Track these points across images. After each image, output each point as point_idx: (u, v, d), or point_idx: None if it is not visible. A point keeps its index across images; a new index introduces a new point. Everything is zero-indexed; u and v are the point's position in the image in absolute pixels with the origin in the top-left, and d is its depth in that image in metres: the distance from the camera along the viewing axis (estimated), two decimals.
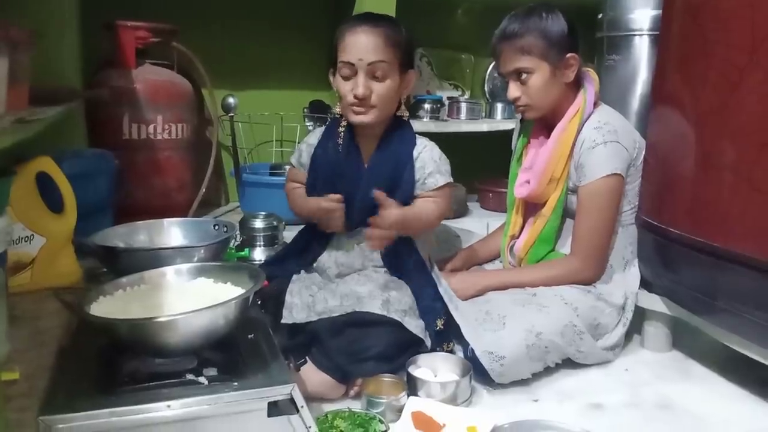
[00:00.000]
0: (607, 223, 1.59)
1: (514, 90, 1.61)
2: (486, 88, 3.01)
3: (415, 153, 1.53)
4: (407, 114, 1.57)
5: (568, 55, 1.57)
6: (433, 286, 1.50)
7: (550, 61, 1.56)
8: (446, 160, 1.55)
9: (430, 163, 1.52)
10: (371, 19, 1.47)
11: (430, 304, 1.45)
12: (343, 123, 1.56)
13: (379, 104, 1.46)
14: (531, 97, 1.60)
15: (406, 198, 1.52)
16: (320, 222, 1.52)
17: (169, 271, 1.18)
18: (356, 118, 1.48)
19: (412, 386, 1.31)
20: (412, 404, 1.24)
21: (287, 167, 1.81)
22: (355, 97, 1.44)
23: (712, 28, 1.31)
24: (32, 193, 1.40)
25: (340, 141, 1.55)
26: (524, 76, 1.58)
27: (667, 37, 1.51)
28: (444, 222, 1.86)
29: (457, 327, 1.43)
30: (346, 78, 1.46)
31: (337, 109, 1.55)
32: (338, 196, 1.46)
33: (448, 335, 1.45)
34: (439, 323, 1.43)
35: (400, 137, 1.55)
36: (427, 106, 2.61)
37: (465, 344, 1.42)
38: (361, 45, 1.43)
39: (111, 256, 1.31)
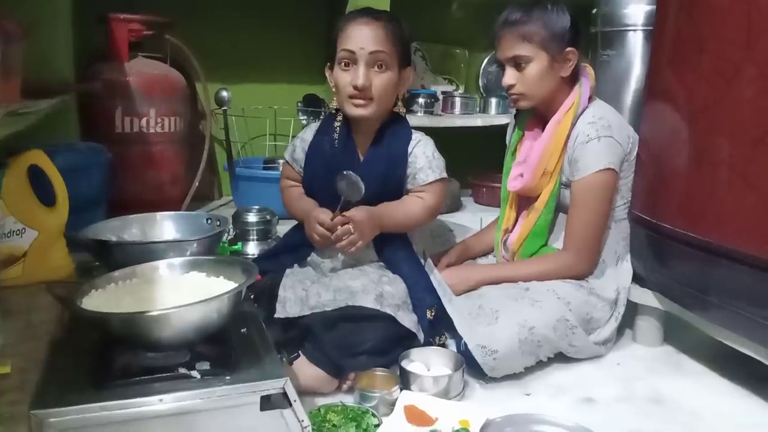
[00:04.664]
0: (600, 218, 1.59)
1: (509, 77, 1.61)
2: (480, 83, 3.01)
3: (409, 148, 1.54)
4: (404, 111, 1.58)
5: (568, 49, 1.57)
6: (424, 278, 1.51)
7: (549, 51, 1.56)
8: (439, 156, 1.56)
9: (421, 158, 1.53)
10: (372, 12, 1.49)
11: (420, 295, 1.45)
12: (339, 118, 1.56)
13: (378, 97, 1.47)
14: (526, 86, 1.60)
15: (399, 193, 1.53)
16: (306, 228, 1.52)
17: (161, 265, 1.17)
18: (355, 111, 1.47)
19: (404, 380, 1.31)
20: (404, 398, 1.25)
21: (281, 162, 1.81)
22: (355, 87, 1.44)
23: (707, 23, 1.31)
24: (24, 186, 1.39)
25: (336, 136, 1.55)
26: (522, 64, 1.58)
27: (661, 32, 1.51)
28: (438, 217, 1.86)
29: (451, 321, 1.44)
30: (345, 68, 1.46)
31: (334, 104, 1.55)
32: (330, 221, 1.44)
33: (439, 327, 1.46)
34: (429, 313, 1.44)
35: (396, 132, 1.55)
36: (421, 100, 2.60)
37: (458, 338, 1.43)
38: (362, 35, 1.44)
39: (103, 250, 1.30)
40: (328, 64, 1.53)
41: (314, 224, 1.46)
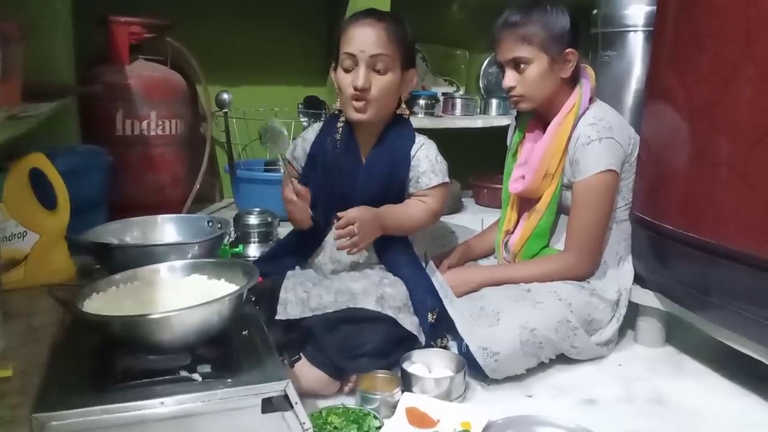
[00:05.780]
0: (601, 219, 1.59)
1: (510, 79, 1.61)
2: (481, 84, 3.02)
3: (412, 151, 1.53)
4: (407, 113, 1.57)
5: (568, 50, 1.57)
6: (425, 280, 1.51)
7: (549, 53, 1.56)
8: (442, 159, 1.55)
9: (424, 162, 1.52)
10: (376, 13, 1.48)
11: (421, 297, 1.45)
12: (342, 118, 1.56)
13: (378, 99, 1.46)
14: (526, 88, 1.60)
15: (401, 196, 1.53)
16: (288, 215, 1.52)
17: (162, 267, 1.17)
18: (355, 116, 1.47)
19: (406, 382, 1.31)
20: (406, 400, 1.25)
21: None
22: (355, 88, 1.44)
23: (707, 23, 1.31)
24: (25, 189, 1.39)
25: (339, 136, 1.55)
26: (522, 65, 1.58)
27: (661, 33, 1.51)
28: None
29: (452, 322, 1.44)
30: (347, 70, 1.46)
31: (337, 105, 1.55)
32: (301, 188, 1.46)
33: (441, 328, 1.45)
34: (431, 316, 1.43)
35: (399, 134, 1.54)
36: (421, 102, 2.61)
37: (459, 340, 1.43)
38: (364, 37, 1.44)
39: (104, 253, 1.31)
40: (333, 64, 1.53)
41: (283, 200, 1.47)
